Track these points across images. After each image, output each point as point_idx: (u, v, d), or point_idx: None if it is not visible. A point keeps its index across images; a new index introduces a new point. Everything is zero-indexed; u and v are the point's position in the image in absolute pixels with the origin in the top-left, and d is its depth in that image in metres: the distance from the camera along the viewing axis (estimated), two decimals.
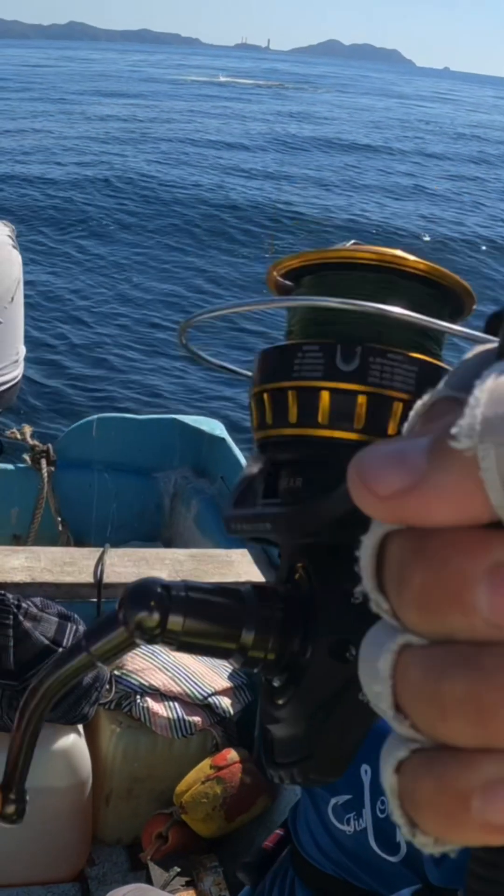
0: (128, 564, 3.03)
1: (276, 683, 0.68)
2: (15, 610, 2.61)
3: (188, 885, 2.78)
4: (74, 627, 2.71)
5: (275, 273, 0.73)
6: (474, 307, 0.73)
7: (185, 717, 2.94)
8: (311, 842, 1.55)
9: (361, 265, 0.68)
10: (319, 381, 0.66)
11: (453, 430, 0.31)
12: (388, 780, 0.34)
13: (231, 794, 2.80)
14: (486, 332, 0.62)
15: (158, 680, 2.99)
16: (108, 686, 2.89)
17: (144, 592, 0.62)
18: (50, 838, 2.88)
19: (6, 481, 4.25)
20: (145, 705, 2.93)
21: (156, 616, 0.61)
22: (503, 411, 0.30)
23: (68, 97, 40.02)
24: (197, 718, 2.95)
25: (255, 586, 0.66)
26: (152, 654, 3.06)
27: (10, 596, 2.64)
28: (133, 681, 2.99)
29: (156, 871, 2.84)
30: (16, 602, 2.62)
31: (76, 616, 2.76)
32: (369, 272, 0.68)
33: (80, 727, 2.87)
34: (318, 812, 1.53)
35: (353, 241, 0.74)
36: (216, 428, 4.23)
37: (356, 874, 1.46)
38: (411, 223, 18.03)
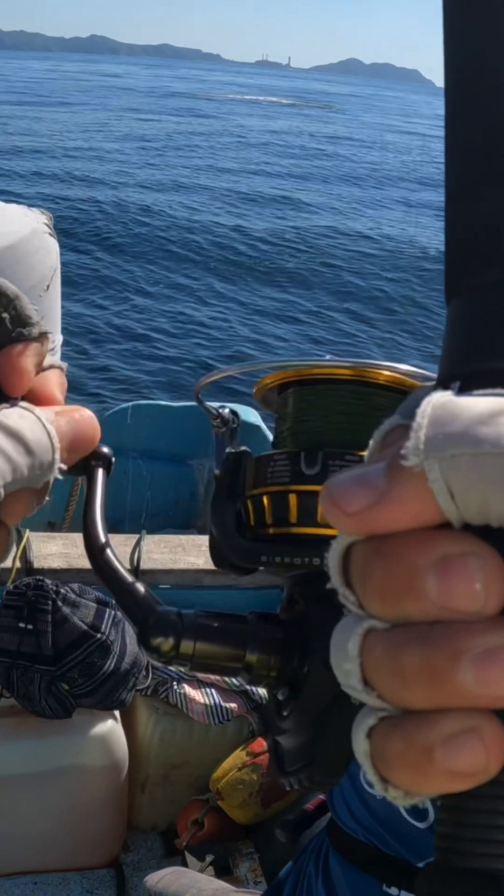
0: (164, 551, 3.04)
1: (280, 697, 0.75)
2: (54, 595, 2.62)
3: (223, 871, 2.79)
4: (112, 613, 2.71)
5: (263, 385, 0.84)
6: None
7: (222, 704, 2.94)
8: (344, 808, 1.58)
9: (338, 379, 0.78)
10: (287, 486, 0.76)
11: (403, 451, 0.38)
12: (361, 744, 0.40)
13: (267, 780, 2.80)
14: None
15: None
16: (145, 672, 2.89)
17: (162, 620, 0.70)
18: (86, 824, 2.90)
19: None
20: (182, 692, 2.93)
21: (170, 641, 0.70)
22: (440, 432, 0.37)
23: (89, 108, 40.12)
24: (233, 705, 2.95)
25: (259, 614, 0.74)
26: None
27: (48, 582, 2.65)
28: (170, 667, 2.98)
29: (191, 858, 2.85)
30: (54, 588, 2.63)
31: (114, 602, 2.76)
32: (345, 384, 0.78)
33: (117, 713, 2.88)
34: (352, 778, 1.56)
35: (328, 357, 0.82)
36: (250, 415, 4.22)
37: (387, 841, 1.48)
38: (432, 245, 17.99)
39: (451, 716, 0.37)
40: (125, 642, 2.73)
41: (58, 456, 0.65)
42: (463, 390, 0.40)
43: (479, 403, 0.38)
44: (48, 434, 0.64)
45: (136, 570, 2.90)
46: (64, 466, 0.66)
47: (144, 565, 2.92)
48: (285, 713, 0.74)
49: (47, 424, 0.65)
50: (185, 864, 2.82)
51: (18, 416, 0.63)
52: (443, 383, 0.42)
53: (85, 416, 0.70)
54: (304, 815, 1.79)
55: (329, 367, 0.78)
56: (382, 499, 0.38)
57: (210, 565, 2.91)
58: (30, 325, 0.67)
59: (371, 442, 0.43)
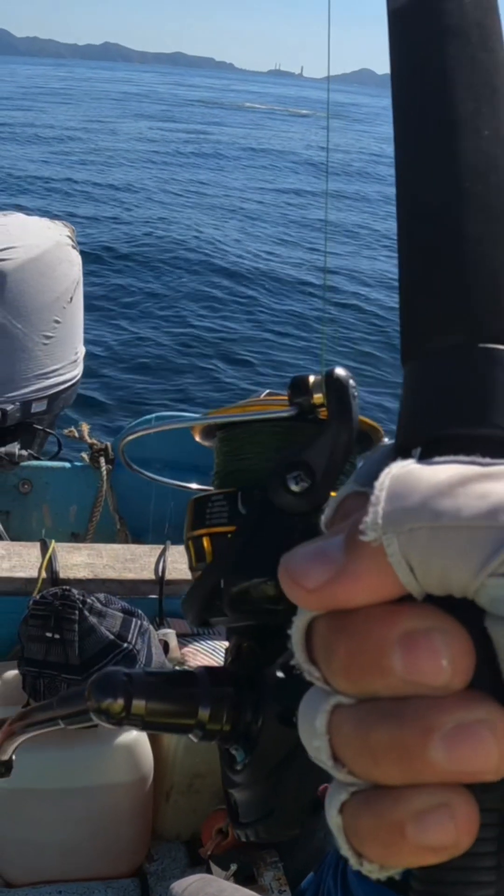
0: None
1: (233, 752, 0.75)
2: (80, 605, 2.63)
3: (248, 880, 2.79)
4: (139, 623, 2.72)
5: (196, 430, 0.84)
6: (382, 439, 0.81)
7: None
8: None
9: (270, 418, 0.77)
10: (226, 527, 0.76)
11: (361, 527, 0.37)
12: (334, 819, 0.40)
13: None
14: (290, 394, 0.73)
15: None
16: None
17: (109, 681, 0.69)
18: (110, 834, 2.90)
19: (65, 479, 4.29)
20: None
21: (120, 702, 0.69)
22: (399, 506, 0.37)
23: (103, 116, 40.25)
24: None
25: (208, 669, 0.74)
26: (213, 650, 3.08)
27: (75, 591, 2.66)
28: None
29: (215, 867, 2.85)
30: (81, 597, 2.64)
31: (140, 612, 2.78)
32: (273, 422, 0.77)
33: None
34: None
35: (267, 392, 0.84)
36: None
37: None
38: None
39: (421, 792, 0.36)
40: (151, 652, 2.74)
41: None
42: (423, 457, 0.40)
43: (437, 473, 0.38)
44: None
45: (161, 581, 2.91)
46: None
47: (169, 575, 2.94)
48: (238, 767, 0.74)
49: None
50: (209, 873, 2.83)
51: None
52: (402, 449, 0.42)
53: None
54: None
55: (258, 404, 0.78)
56: (341, 574, 0.38)
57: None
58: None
59: (326, 509, 0.43)
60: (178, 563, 3.02)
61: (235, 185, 22.02)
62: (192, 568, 0.80)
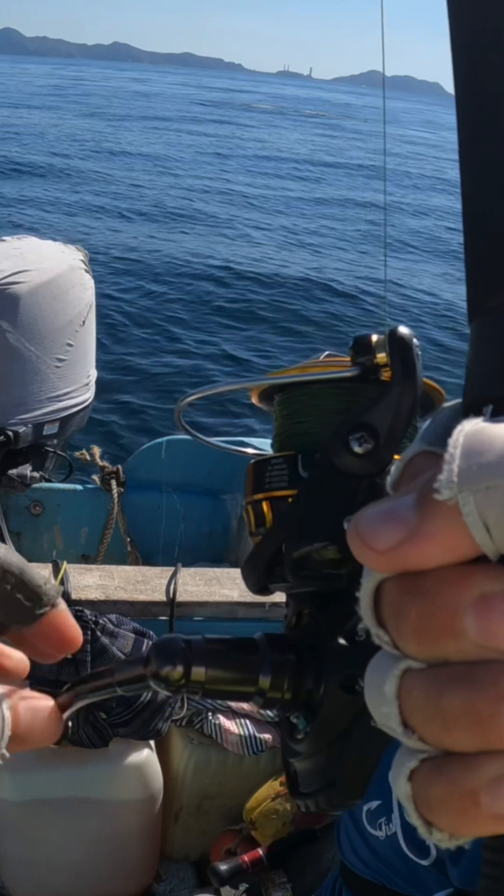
0: (199, 583, 3.07)
1: (294, 720, 0.73)
2: (93, 626, 2.66)
3: None
4: (150, 643, 2.75)
5: (255, 393, 0.81)
6: (444, 401, 0.78)
7: (256, 735, 2.97)
8: (350, 849, 1.60)
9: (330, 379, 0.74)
10: (286, 490, 0.73)
11: (435, 485, 0.36)
12: (402, 787, 0.39)
13: (301, 811, 2.81)
14: (353, 353, 0.70)
15: None
16: (180, 703, 2.92)
17: (169, 648, 0.67)
18: (119, 853, 2.92)
19: (76, 501, 4.32)
20: (217, 722, 2.96)
21: (180, 669, 0.66)
22: (474, 463, 0.35)
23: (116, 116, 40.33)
24: (267, 736, 2.98)
25: (269, 635, 0.71)
26: None
27: (87, 612, 2.69)
28: None
29: (224, 888, 2.86)
30: (93, 618, 2.67)
31: (151, 633, 2.80)
32: (334, 383, 0.74)
33: (153, 743, 2.91)
34: (354, 819, 1.58)
35: (326, 353, 0.80)
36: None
37: (392, 879, 1.49)
38: None
39: (496, 759, 0.36)
40: None
41: (3, 745, 0.60)
42: (495, 415, 0.39)
43: None
44: (2, 719, 0.60)
45: (171, 603, 2.94)
46: (6, 755, 0.60)
47: (180, 597, 2.96)
48: (300, 736, 0.73)
49: (5, 711, 0.61)
50: (217, 894, 2.84)
51: None
52: (472, 407, 0.41)
53: (47, 710, 0.65)
54: (239, 867, 1.80)
55: (319, 365, 0.76)
56: (414, 535, 0.37)
57: (245, 598, 2.96)
58: (45, 596, 0.64)
59: (393, 469, 0.42)
60: (188, 586, 3.04)
61: (242, 190, 22.08)
62: (252, 533, 0.77)
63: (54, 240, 4.53)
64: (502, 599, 0.35)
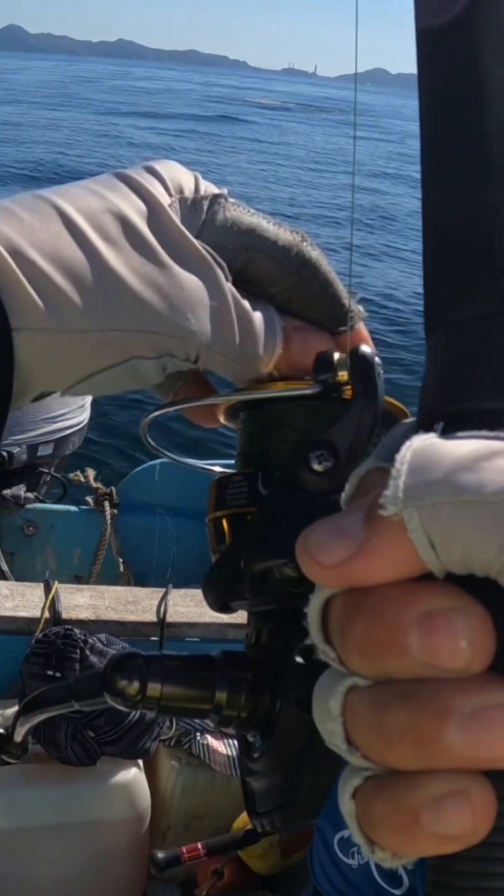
0: (190, 605, 3.08)
1: (250, 739, 0.73)
2: (82, 644, 2.67)
3: None
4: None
5: (220, 410, 0.81)
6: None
7: None
8: (323, 875, 1.59)
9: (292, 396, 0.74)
10: (246, 508, 0.73)
11: (381, 500, 0.36)
12: (346, 805, 0.39)
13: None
14: (315, 371, 0.71)
15: None
16: (168, 723, 2.93)
17: (126, 663, 0.69)
18: (106, 873, 2.91)
19: (70, 523, 4.33)
20: (205, 742, 2.96)
21: (136, 684, 0.68)
22: (420, 479, 0.35)
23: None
24: None
25: (227, 652, 0.72)
26: None
27: (77, 631, 2.70)
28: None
29: None
30: (83, 637, 2.68)
31: (141, 652, 2.80)
32: (296, 401, 0.74)
33: (141, 762, 2.91)
34: (327, 847, 1.57)
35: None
36: None
37: None
38: None
39: (437, 777, 0.35)
40: None
41: (258, 363, 0.69)
42: (446, 432, 0.38)
43: (461, 447, 0.36)
44: (270, 335, 0.68)
45: (161, 623, 2.95)
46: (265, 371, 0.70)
47: (170, 618, 2.97)
48: (256, 755, 0.72)
49: (278, 325, 0.68)
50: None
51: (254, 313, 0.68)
52: (424, 424, 0.41)
53: (321, 339, 0.71)
54: (176, 857, 1.81)
55: (281, 382, 0.75)
56: (361, 550, 0.37)
57: (235, 619, 2.97)
58: (340, 311, 0.71)
59: (347, 485, 0.42)
60: (179, 607, 3.05)
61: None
62: (213, 551, 0.76)
63: None
64: (446, 617, 0.35)
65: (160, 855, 1.90)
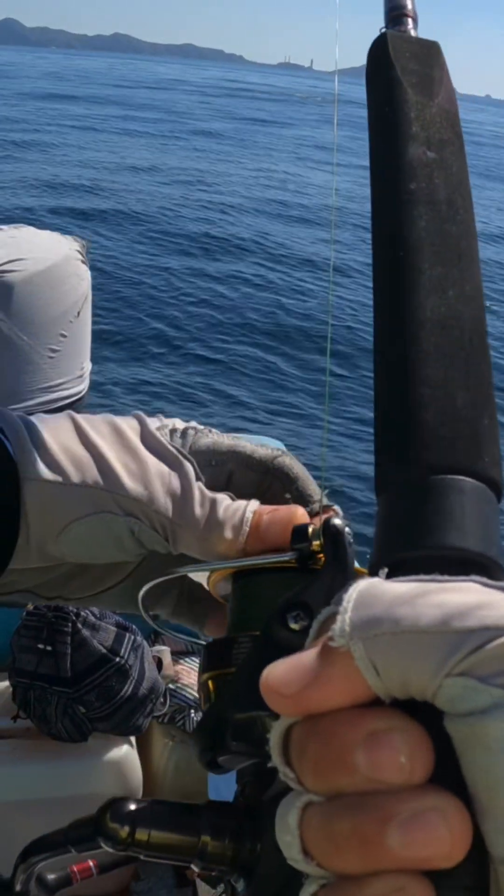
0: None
1: (234, 883, 0.76)
2: (74, 618, 2.63)
3: None
4: (132, 638, 2.71)
5: (213, 578, 0.87)
6: None
7: None
8: None
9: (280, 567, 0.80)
10: (228, 669, 0.78)
11: (330, 634, 0.41)
12: None
13: None
14: (292, 541, 0.77)
15: None
16: (162, 699, 2.89)
17: (117, 809, 0.74)
18: (97, 852, 2.87)
19: None
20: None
21: (126, 828, 0.72)
22: (364, 614, 0.41)
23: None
24: None
25: (212, 802, 0.77)
26: None
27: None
28: (188, 695, 2.99)
29: (202, 888, 2.83)
30: (75, 610, 2.64)
31: (134, 627, 2.76)
32: (277, 574, 0.80)
33: (133, 739, 2.88)
34: None
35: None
36: (279, 446, 4.22)
37: None
38: None
39: (380, 878, 0.38)
40: (143, 667, 2.74)
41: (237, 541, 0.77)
42: (389, 577, 0.44)
43: (399, 587, 0.42)
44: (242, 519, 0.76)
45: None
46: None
47: None
48: None
49: (248, 511, 0.77)
50: (195, 894, 2.81)
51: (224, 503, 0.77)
52: (372, 570, 0.48)
53: (290, 512, 0.78)
54: (67, 878, 1.80)
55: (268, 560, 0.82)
56: (315, 680, 0.41)
57: None
58: (311, 503, 0.81)
59: (310, 631, 0.46)
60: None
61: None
62: (202, 711, 0.82)
63: (58, 231, 4.50)
64: (388, 736, 0.39)
65: (50, 876, 1.86)
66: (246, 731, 0.74)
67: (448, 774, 0.39)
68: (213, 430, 0.83)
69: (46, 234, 4.35)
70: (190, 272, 14.67)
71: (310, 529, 0.77)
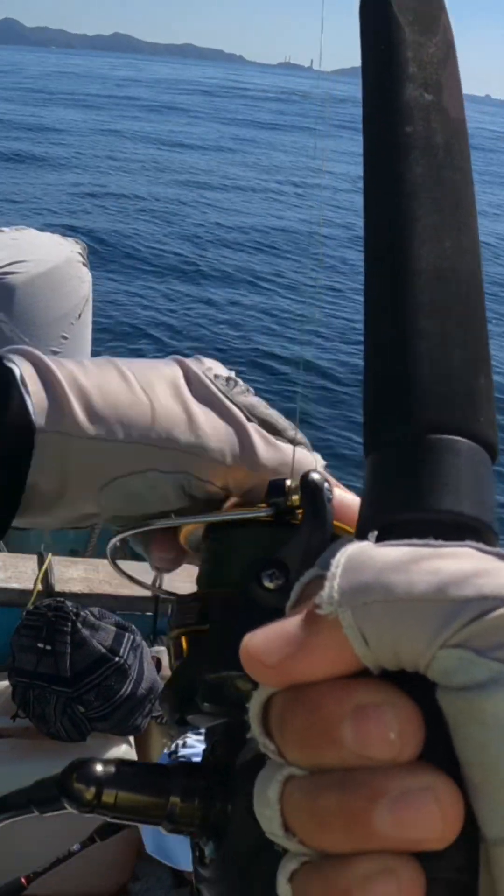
0: (185, 579, 3.02)
1: (202, 845, 0.74)
2: (73, 617, 2.63)
3: None
4: (132, 637, 2.72)
5: (186, 531, 0.84)
6: None
7: None
8: None
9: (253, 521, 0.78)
10: (200, 626, 0.75)
11: (317, 601, 0.39)
12: (283, 888, 0.40)
13: None
14: (267, 495, 0.75)
15: None
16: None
17: (84, 769, 0.70)
18: (95, 852, 2.88)
19: None
20: None
21: (92, 790, 0.69)
22: (354, 580, 0.38)
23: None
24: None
25: (182, 763, 0.74)
26: None
27: (69, 604, 2.66)
28: None
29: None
30: (74, 610, 2.65)
31: (133, 627, 2.77)
32: (252, 528, 0.77)
33: (132, 739, 2.88)
34: None
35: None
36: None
37: None
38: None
39: (367, 858, 0.37)
40: (143, 667, 2.74)
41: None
42: (379, 540, 0.42)
43: (391, 552, 0.39)
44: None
45: (156, 598, 2.91)
46: None
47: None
48: (207, 861, 0.72)
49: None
50: (192, 895, 2.81)
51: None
52: (360, 534, 0.44)
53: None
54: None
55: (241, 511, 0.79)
56: (300, 649, 0.39)
57: None
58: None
59: (291, 594, 0.44)
60: (175, 582, 2.99)
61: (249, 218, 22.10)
62: (171, 667, 0.78)
63: (53, 231, 4.51)
64: (377, 710, 0.37)
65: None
66: (217, 691, 0.72)
67: (439, 751, 0.38)
68: (251, 389, 0.79)
69: (48, 236, 4.36)
70: (190, 273, 14.67)
71: (287, 483, 0.75)
